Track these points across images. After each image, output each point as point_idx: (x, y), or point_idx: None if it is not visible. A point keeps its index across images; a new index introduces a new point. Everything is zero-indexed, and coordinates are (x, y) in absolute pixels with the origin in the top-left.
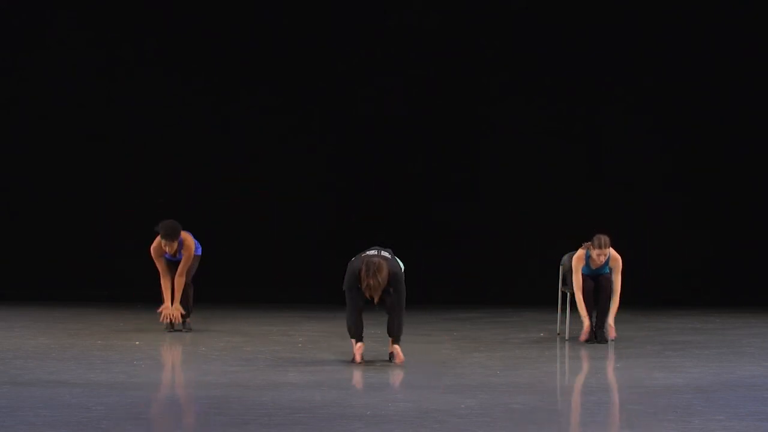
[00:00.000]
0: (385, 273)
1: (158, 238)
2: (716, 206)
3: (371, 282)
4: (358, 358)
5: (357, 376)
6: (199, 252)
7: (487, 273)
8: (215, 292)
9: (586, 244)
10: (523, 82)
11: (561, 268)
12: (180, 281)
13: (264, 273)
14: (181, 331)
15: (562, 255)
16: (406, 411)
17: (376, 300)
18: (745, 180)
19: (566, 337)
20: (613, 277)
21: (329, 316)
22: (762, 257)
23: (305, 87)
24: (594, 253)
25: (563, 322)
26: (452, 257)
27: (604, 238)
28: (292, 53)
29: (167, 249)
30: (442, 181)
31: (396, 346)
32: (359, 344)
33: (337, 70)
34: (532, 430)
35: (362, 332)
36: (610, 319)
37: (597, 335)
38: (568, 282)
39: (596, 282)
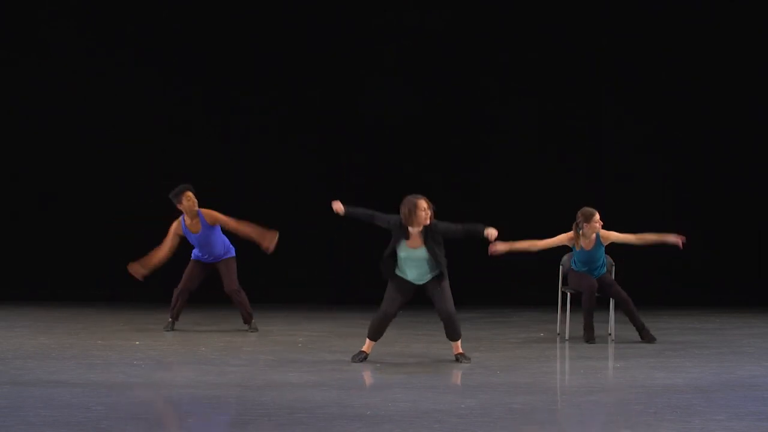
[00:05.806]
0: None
1: (179, 219)
2: (716, 206)
3: (426, 203)
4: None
5: (357, 376)
6: (233, 253)
7: (487, 272)
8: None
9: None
10: (523, 82)
11: (561, 268)
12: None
13: (263, 273)
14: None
15: (562, 255)
16: (406, 411)
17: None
18: (745, 180)
19: (566, 337)
20: (619, 237)
21: (329, 316)
22: (762, 257)
23: (305, 87)
24: (585, 227)
25: (563, 322)
26: (452, 257)
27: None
28: (292, 53)
29: (183, 205)
30: (442, 181)
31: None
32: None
33: (337, 70)
34: (532, 430)
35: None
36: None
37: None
38: (568, 282)
39: (600, 286)
